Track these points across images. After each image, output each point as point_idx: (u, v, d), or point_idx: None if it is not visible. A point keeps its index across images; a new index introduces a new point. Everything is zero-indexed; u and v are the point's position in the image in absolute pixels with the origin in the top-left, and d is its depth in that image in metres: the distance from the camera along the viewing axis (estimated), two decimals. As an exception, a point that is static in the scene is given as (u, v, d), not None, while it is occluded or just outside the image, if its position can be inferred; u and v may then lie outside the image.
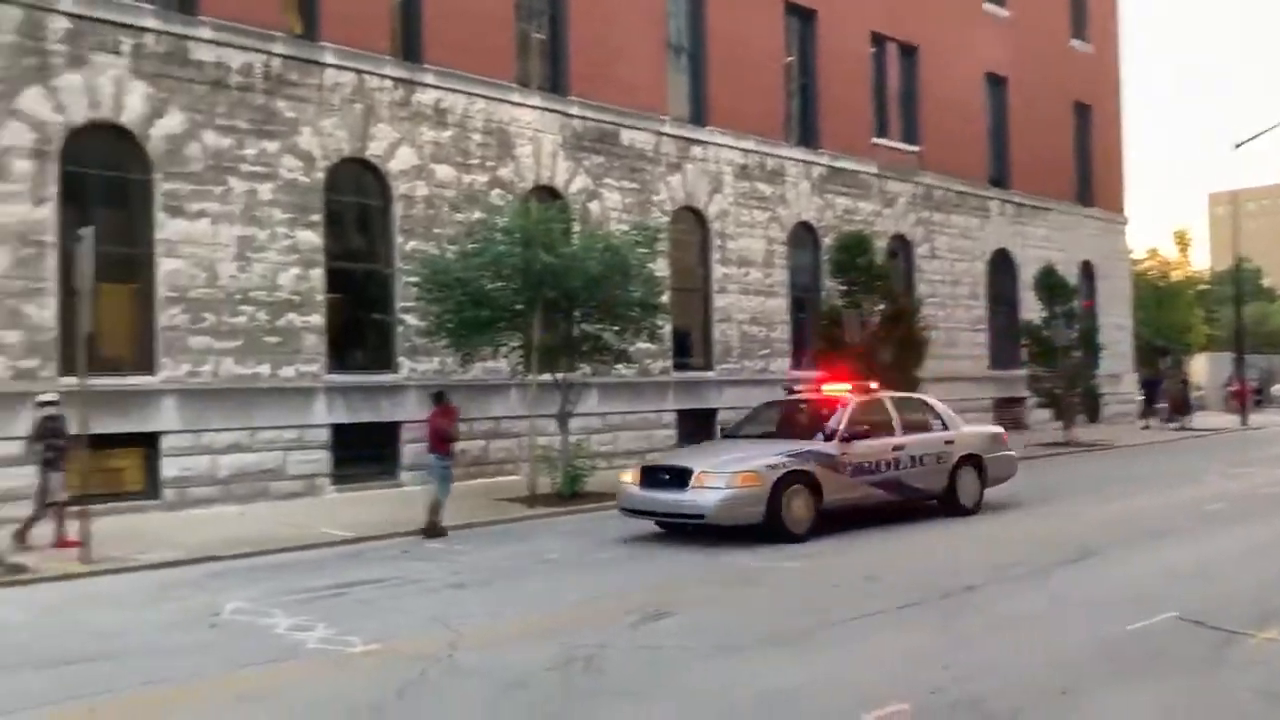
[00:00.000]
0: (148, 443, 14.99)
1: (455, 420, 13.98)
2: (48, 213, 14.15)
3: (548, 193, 19.77)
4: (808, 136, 25.02)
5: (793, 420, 13.63)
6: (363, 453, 17.10)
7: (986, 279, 29.25)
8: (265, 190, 16.22)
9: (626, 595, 9.03)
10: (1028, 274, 28.71)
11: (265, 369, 16.05)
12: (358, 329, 17.63)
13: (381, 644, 7.43)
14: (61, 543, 11.49)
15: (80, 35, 14.52)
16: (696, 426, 21.94)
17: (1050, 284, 25.77)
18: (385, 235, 17.85)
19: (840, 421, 12.43)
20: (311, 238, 16.70)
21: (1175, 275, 40.97)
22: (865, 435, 12.43)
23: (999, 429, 15.51)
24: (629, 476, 12.39)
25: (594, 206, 20.37)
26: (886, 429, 13.00)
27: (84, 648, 7.60)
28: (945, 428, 13.74)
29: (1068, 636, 7.40)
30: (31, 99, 14.10)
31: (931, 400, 14.64)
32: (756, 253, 23.52)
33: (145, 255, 15.20)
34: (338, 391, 16.87)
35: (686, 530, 11.91)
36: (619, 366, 17.89)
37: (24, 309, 13.92)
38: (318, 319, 16.72)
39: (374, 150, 17.56)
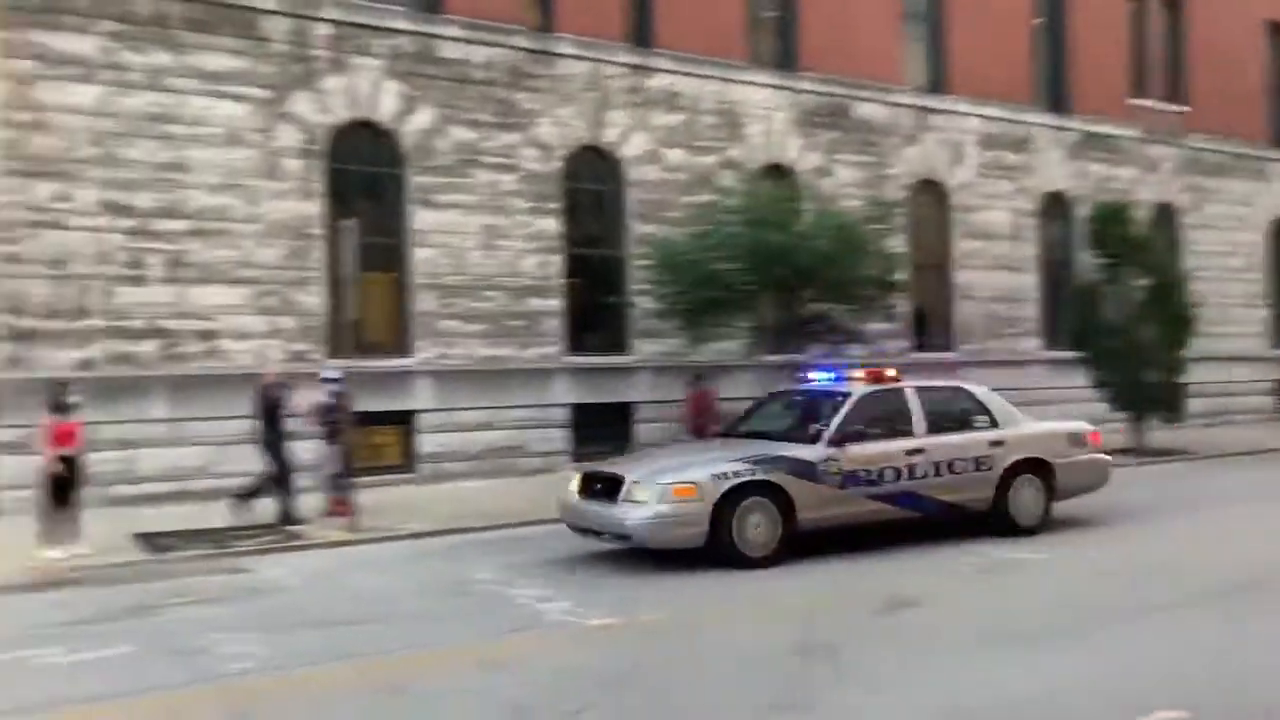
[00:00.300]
0: (405, 420, 15.99)
1: (714, 401, 13.90)
2: (315, 208, 15.31)
3: (778, 171, 19.51)
4: (1058, 101, 23.40)
5: (793, 417, 11.15)
6: (598, 431, 17.54)
7: (1266, 249, 26.43)
8: (508, 180, 16.88)
9: (868, 585, 8.75)
10: (1318, 243, 25.73)
11: (510, 350, 16.75)
12: (594, 312, 18.08)
13: (619, 618, 7.55)
14: (333, 511, 12.35)
15: (340, 40, 15.60)
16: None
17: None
18: (619, 220, 18.17)
19: (832, 420, 9.97)
20: (551, 225, 17.25)
21: None
22: (860, 437, 9.91)
23: (1081, 426, 11.80)
24: (574, 483, 10.28)
25: (826, 183, 19.90)
26: (901, 428, 10.34)
27: (349, 610, 8.17)
28: (995, 425, 10.84)
29: None
30: (300, 102, 15.28)
31: (978, 390, 11.48)
32: (1002, 226, 22.29)
33: (400, 245, 16.18)
34: (575, 373, 17.37)
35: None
36: (852, 347, 17.43)
37: (296, 297, 15.13)
38: (556, 303, 17.27)
39: (608, 137, 17.90)
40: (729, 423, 12.62)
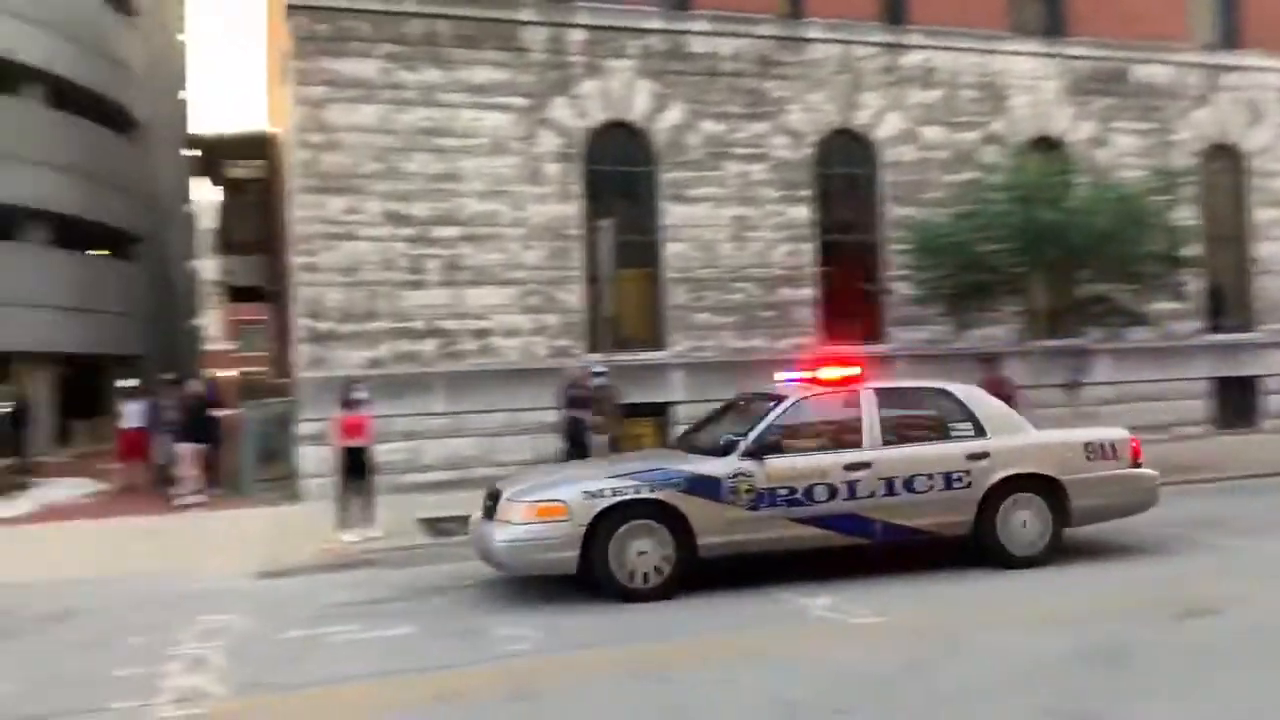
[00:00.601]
0: (661, 412, 16.29)
1: (1009, 387, 13.01)
2: (574, 208, 15.88)
3: (1047, 144, 18.34)
4: (1380, 45, 20.58)
5: (735, 426, 9.20)
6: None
7: None
8: (757, 170, 16.82)
9: (1156, 589, 8.04)
10: None
11: (762, 342, 16.69)
12: (848, 301, 17.68)
13: (883, 617, 7.32)
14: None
15: (594, 44, 16.08)
16: (1237, 396, 19.20)
17: None
18: (873, 204, 17.70)
19: (751, 430, 8.58)
20: (802, 212, 17.05)
21: None
22: (788, 449, 8.50)
23: (1111, 434, 9.47)
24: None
25: (1101, 154, 18.51)
26: (847, 439, 8.72)
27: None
28: (980, 433, 8.91)
29: None
30: (558, 108, 15.89)
31: (962, 391, 9.38)
32: (1310, 191, 19.91)
33: (653, 241, 16.49)
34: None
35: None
36: (1136, 330, 16.12)
37: (557, 295, 15.77)
38: (809, 292, 17.04)
39: (860, 119, 17.47)
40: (679, 435, 11.24)
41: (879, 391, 8.95)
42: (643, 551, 8.01)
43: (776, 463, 8.32)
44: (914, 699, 5.62)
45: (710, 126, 16.62)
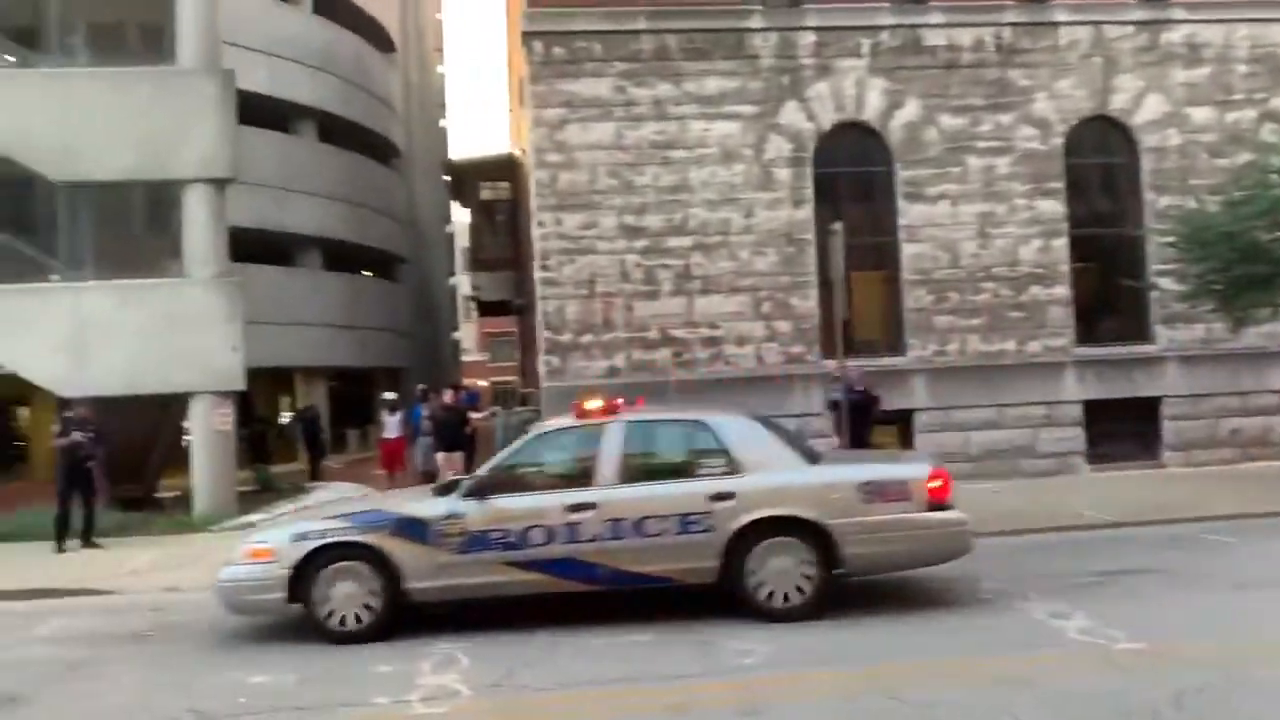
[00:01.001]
0: (903, 419, 15.75)
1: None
2: (805, 213, 15.66)
3: (1342, 117, 16.37)
4: None
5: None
6: (1117, 429, 15.92)
7: None
8: (1002, 164, 15.99)
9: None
10: None
11: (1010, 345, 15.83)
12: (1107, 298, 16.47)
13: (1148, 643, 6.70)
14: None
15: (823, 45, 15.81)
16: None
17: None
18: (1133, 194, 16.42)
19: (486, 466, 8.31)
20: (1053, 206, 16.06)
21: None
22: (517, 487, 8.02)
23: (901, 471, 8.29)
24: None
25: None
26: (580, 477, 8.08)
27: (851, 611, 8.13)
28: (732, 470, 7.92)
29: None
30: (788, 112, 15.73)
31: (720, 422, 8.33)
32: None
33: (890, 242, 16.00)
34: (1089, 365, 15.94)
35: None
36: None
37: (790, 301, 15.59)
38: (1062, 290, 16.01)
39: (1116, 104, 16.25)
40: None
41: (629, 425, 8.28)
42: (350, 594, 7.78)
43: (499, 503, 7.86)
44: (1185, 737, 5.09)
45: (949, 121, 15.95)
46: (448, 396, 17.67)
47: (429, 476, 16.67)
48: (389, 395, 20.10)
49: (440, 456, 15.65)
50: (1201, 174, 15.98)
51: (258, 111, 24.55)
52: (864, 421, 13.30)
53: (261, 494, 17.87)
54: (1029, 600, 8.08)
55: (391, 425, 18.24)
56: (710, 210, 15.54)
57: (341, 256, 29.91)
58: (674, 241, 15.48)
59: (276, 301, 25.17)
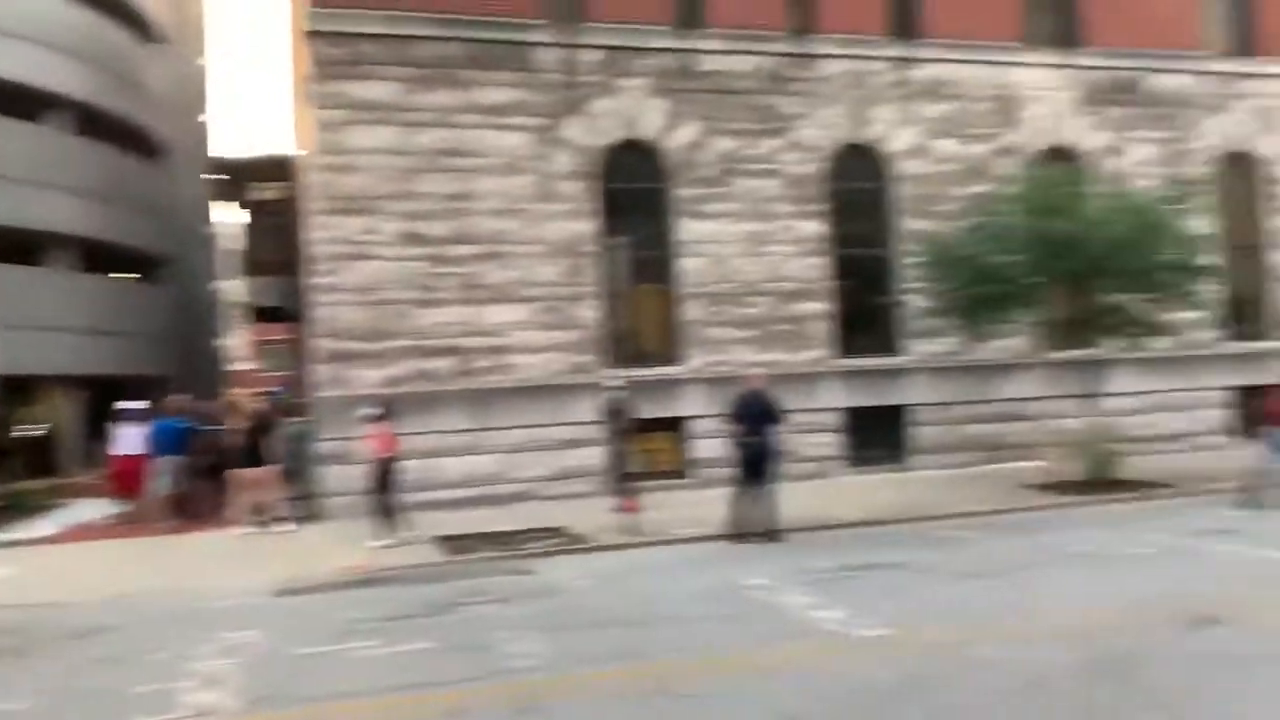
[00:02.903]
0: (677, 427, 16.35)
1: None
2: (589, 226, 16.01)
3: (1060, 154, 18.33)
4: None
5: None
6: (871, 435, 17.15)
7: None
8: (771, 186, 16.90)
9: (1169, 596, 8.03)
10: None
11: (778, 356, 16.73)
12: (864, 314, 17.70)
13: (892, 630, 7.35)
14: (623, 509, 12.64)
15: (607, 64, 16.23)
16: (1256, 405, 19.00)
17: None
18: (887, 218, 17.72)
19: None
20: (816, 227, 17.11)
21: None
22: None
23: None
24: None
25: (1115, 164, 18.47)
26: None
27: (627, 612, 8.45)
28: None
29: None
30: (572, 127, 16.04)
31: None
32: (1330, 197, 19.77)
33: (668, 257, 16.58)
34: (846, 375, 17.08)
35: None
36: (1154, 339, 16.06)
37: (573, 311, 15.87)
38: (824, 306, 17.08)
39: (872, 134, 17.53)
40: None
41: None
42: None
43: None
44: (922, 712, 5.65)
45: (723, 143, 16.73)
46: (243, 403, 16.51)
47: (181, 502, 14.85)
48: (128, 405, 16.98)
49: (248, 473, 13.96)
50: (946, 201, 17.47)
51: (6, 100, 22.58)
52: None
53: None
54: (788, 595, 8.66)
55: (127, 439, 15.60)
56: (495, 220, 15.62)
57: (98, 257, 27.82)
58: (458, 250, 15.45)
59: (23, 304, 23.18)
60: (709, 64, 16.72)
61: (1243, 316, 19.35)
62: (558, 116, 15.99)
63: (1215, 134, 19.18)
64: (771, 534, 11.64)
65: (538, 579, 10.13)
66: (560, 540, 12.18)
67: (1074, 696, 5.76)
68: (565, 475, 15.50)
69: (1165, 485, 14.26)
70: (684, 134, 16.57)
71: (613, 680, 6.57)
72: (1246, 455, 13.11)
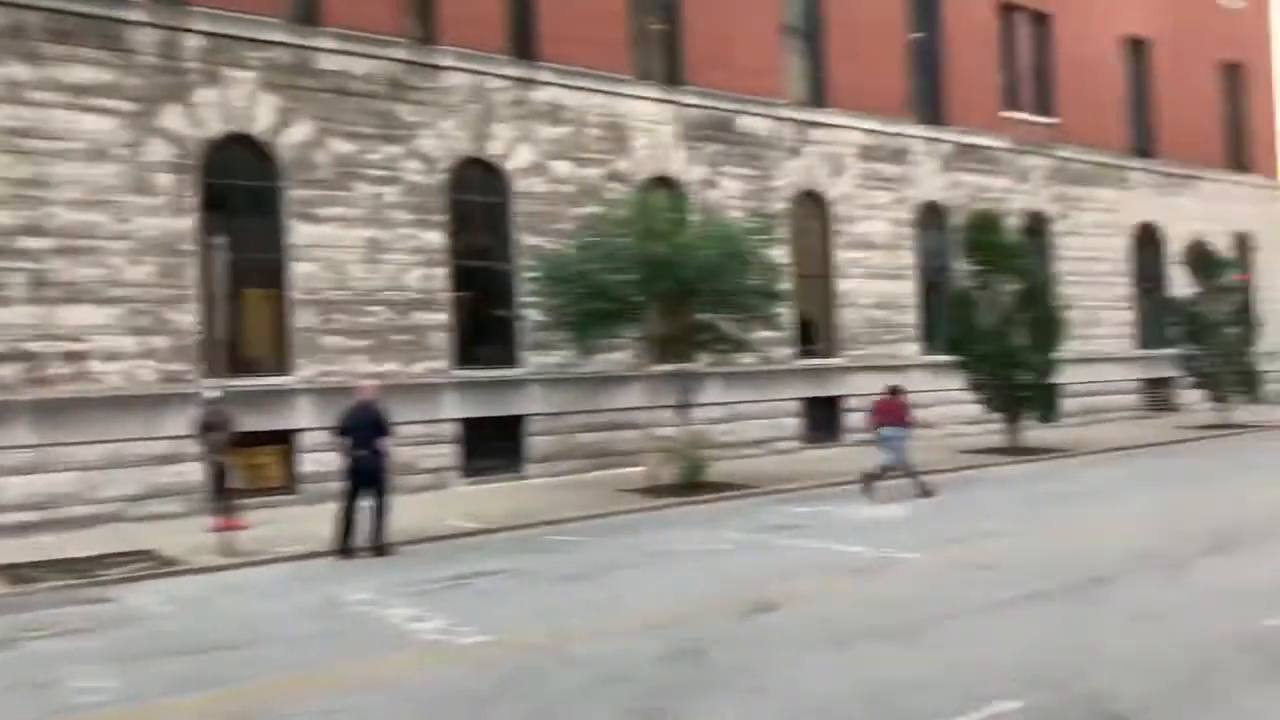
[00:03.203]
0: (286, 440, 15.66)
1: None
2: (188, 223, 14.91)
3: (665, 183, 19.76)
4: (933, 113, 24.23)
5: None
6: (489, 445, 17.46)
7: (1131, 254, 27.76)
8: (390, 193, 16.70)
9: (738, 587, 8.93)
10: (1175, 247, 27.17)
11: (395, 366, 16.54)
12: (483, 325, 17.99)
13: (493, 636, 7.56)
14: (222, 528, 11.91)
15: (213, 52, 15.23)
16: (822, 414, 21.63)
17: (1200, 257, 24.28)
18: (506, 233, 18.13)
19: None
20: (436, 237, 17.13)
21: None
22: None
23: None
24: None
25: (712, 195, 20.23)
26: None
27: (216, 637, 7.99)
28: None
29: (1205, 631, 6.95)
30: (171, 115, 14.88)
31: None
32: (881, 235, 22.95)
33: (279, 260, 15.85)
34: (465, 386, 17.26)
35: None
36: (741, 356, 17.79)
37: (169, 315, 14.70)
38: (444, 317, 17.14)
39: (493, 149, 17.87)
40: None
41: None
42: None
43: None
44: (513, 713, 5.87)
45: (340, 146, 16.28)
46: None
47: None
48: None
49: None
50: (561, 220, 18.21)
51: None
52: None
53: None
54: (391, 608, 8.62)
55: None
56: (76, 211, 14.08)
57: None
58: (28, 242, 13.75)
59: None
60: (326, 63, 16.22)
61: (813, 337, 21.92)
62: (155, 102, 14.76)
63: (793, 174, 21.58)
64: (381, 548, 11.50)
65: (116, 607, 9.28)
66: (148, 564, 11.22)
67: (651, 683, 6.25)
68: (158, 494, 14.30)
69: (747, 486, 15.80)
70: (298, 133, 15.94)
71: (193, 709, 6.19)
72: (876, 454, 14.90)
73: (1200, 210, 29.17)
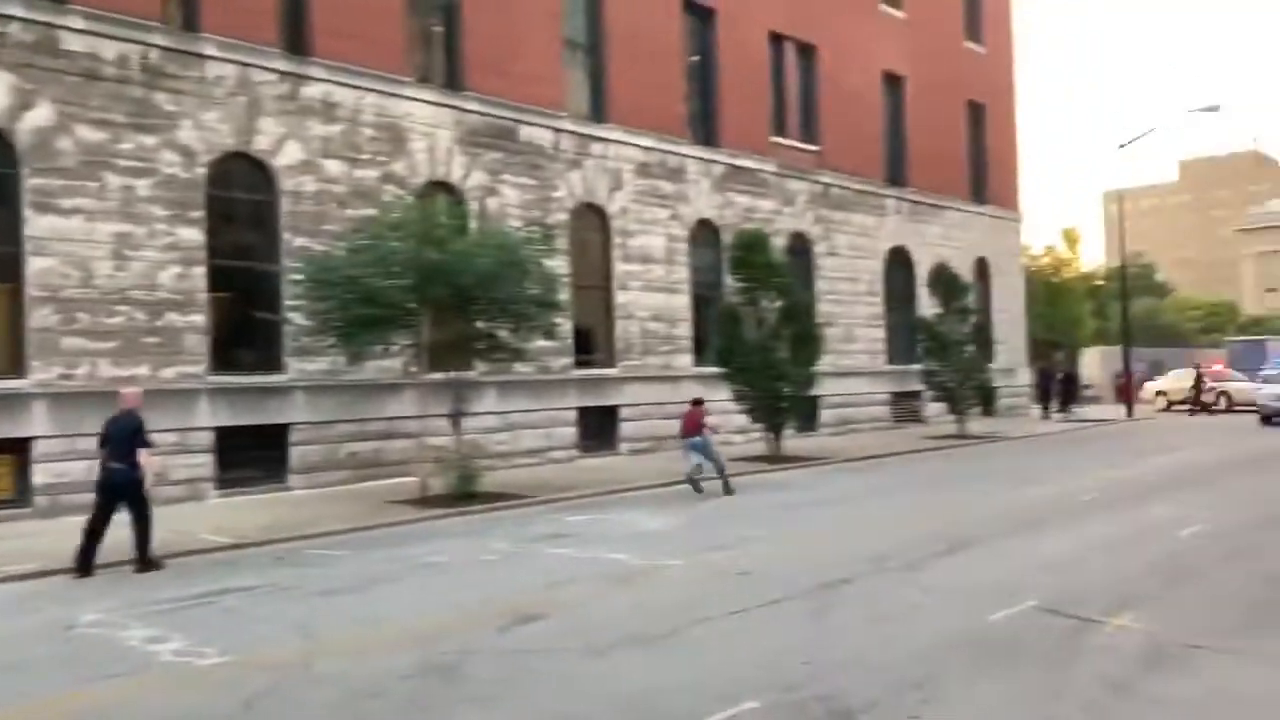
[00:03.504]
0: (18, 449, 14.37)
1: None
2: (-98, 208, 13.44)
3: (443, 189, 19.53)
4: (708, 135, 25.14)
5: None
6: (249, 455, 16.64)
7: (884, 276, 29.78)
8: (143, 186, 15.65)
9: (501, 598, 8.92)
10: (924, 271, 29.36)
11: (145, 370, 15.49)
12: (244, 328, 17.14)
13: (237, 655, 7.21)
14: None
15: (-63, 22, 13.82)
16: (599, 423, 21.94)
17: (943, 281, 26.35)
18: (273, 231, 17.37)
19: None
20: (193, 234, 16.18)
21: (1066, 272, 42.41)
22: None
23: None
24: None
25: (492, 203, 20.16)
26: None
27: (-80, 667, 7.21)
28: None
29: (932, 628, 7.54)
30: (-117, 88, 13.38)
31: None
32: (658, 250, 23.57)
33: (15, 253, 14.54)
34: (223, 393, 16.37)
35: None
36: (518, 365, 17.77)
37: (-124, 310, 13.19)
38: (200, 318, 16.21)
39: (259, 145, 17.08)
40: None
41: None
42: None
43: None
44: (252, 735, 5.62)
45: (87, 133, 15.11)
46: None
47: None
48: None
49: None
50: (332, 221, 17.63)
51: None
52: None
53: None
54: (129, 629, 8.06)
55: None
56: None
57: None
58: None
59: None
60: (72, 43, 15.02)
61: (591, 347, 22.22)
62: None
63: (573, 186, 21.82)
64: (147, 563, 10.75)
65: None
66: None
67: (403, 699, 6.15)
68: None
69: (521, 496, 15.80)
70: (38, 116, 14.67)
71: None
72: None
73: (946, 237, 31.71)
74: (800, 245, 27.10)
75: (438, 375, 16.69)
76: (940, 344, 25.89)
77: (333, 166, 17.99)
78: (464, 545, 11.86)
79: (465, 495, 15.44)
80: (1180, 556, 10.05)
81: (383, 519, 14.08)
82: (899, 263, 30.38)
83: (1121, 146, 32.38)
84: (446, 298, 15.19)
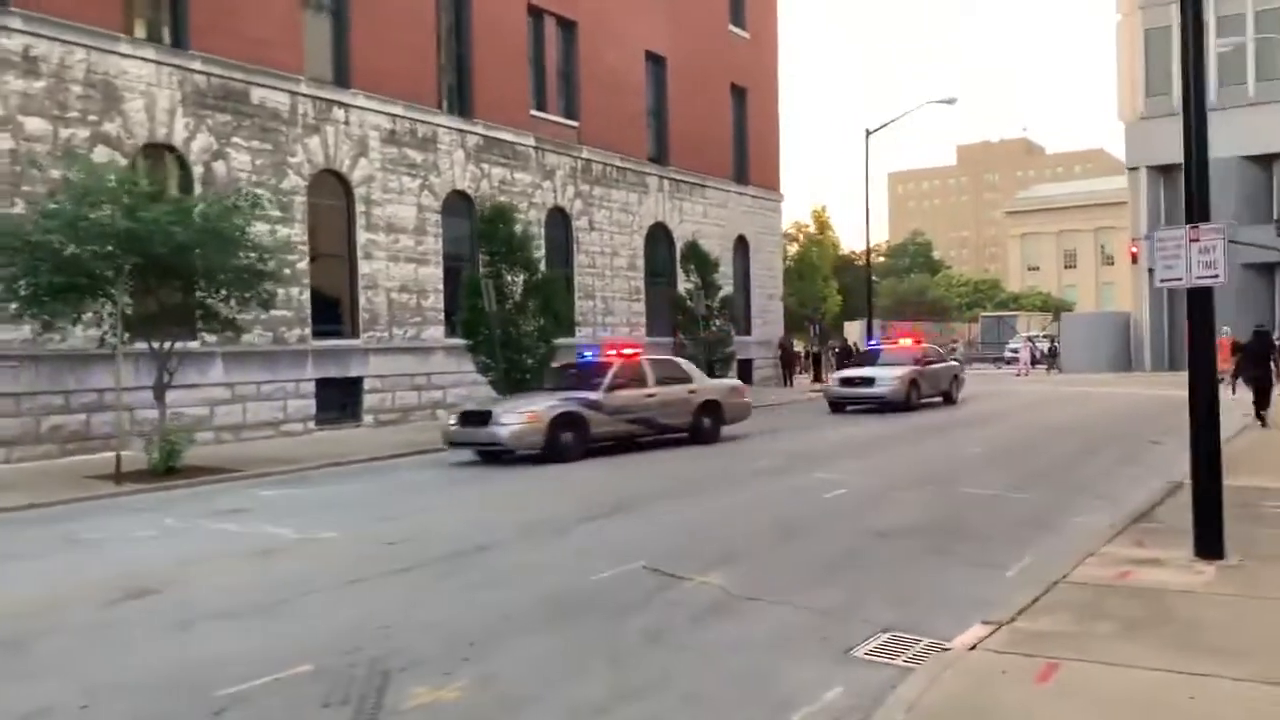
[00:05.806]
0: None
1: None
2: None
3: (166, 151, 18.78)
4: (462, 105, 25.10)
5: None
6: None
7: (645, 251, 30.59)
8: None
9: (129, 574, 8.80)
10: (683, 247, 30.34)
11: None
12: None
13: None
14: None
15: None
16: (342, 395, 21.72)
17: (695, 257, 27.35)
18: (-35, 192, 16.26)
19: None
20: None
21: (814, 251, 44.80)
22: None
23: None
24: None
25: (219, 167, 19.52)
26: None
27: None
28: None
29: (535, 589, 7.99)
30: None
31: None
32: (407, 220, 23.41)
33: None
34: (-103, 364, 15.29)
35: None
36: (247, 335, 17.35)
37: None
38: None
39: (-56, 98, 15.94)
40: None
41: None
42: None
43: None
44: None
45: None
46: None
47: None
48: None
49: None
50: (32, 182, 16.65)
51: None
52: None
53: None
54: None
55: None
56: None
57: None
58: None
59: None
60: None
61: (333, 318, 21.90)
62: None
63: (312, 152, 21.36)
64: None
65: None
66: None
67: (-54, 680, 6.07)
68: None
69: (229, 470, 15.49)
70: None
71: None
72: None
73: (707, 215, 32.83)
74: (562, 220, 27.49)
75: (151, 345, 16.12)
76: (690, 318, 26.88)
77: (34, 124, 16.98)
78: (130, 521, 11.60)
79: (169, 470, 15.03)
80: (806, 519, 10.91)
81: (67, 495, 13.57)
82: (660, 239, 31.26)
83: (870, 133, 34.29)
84: (142, 267, 14.69)
